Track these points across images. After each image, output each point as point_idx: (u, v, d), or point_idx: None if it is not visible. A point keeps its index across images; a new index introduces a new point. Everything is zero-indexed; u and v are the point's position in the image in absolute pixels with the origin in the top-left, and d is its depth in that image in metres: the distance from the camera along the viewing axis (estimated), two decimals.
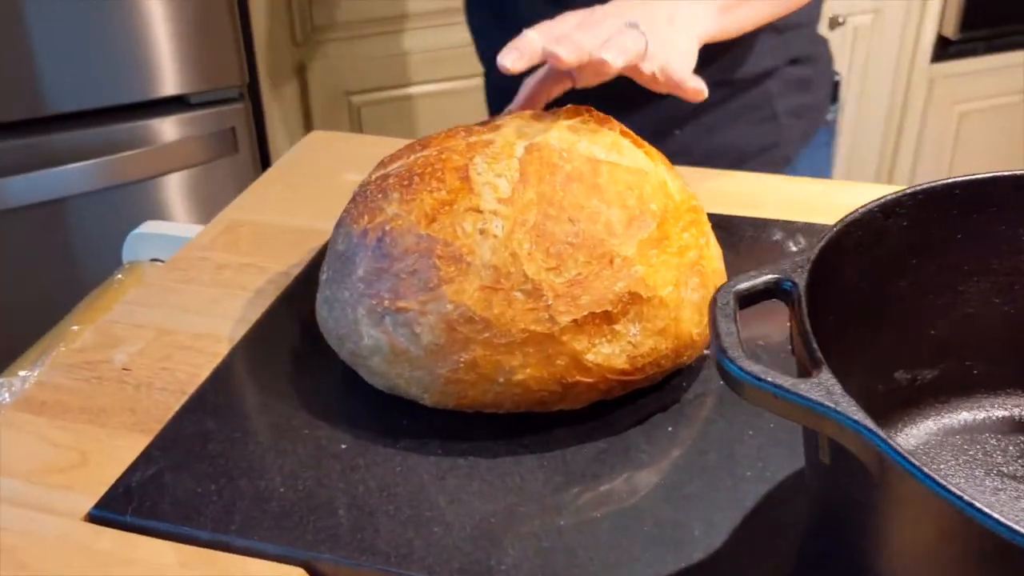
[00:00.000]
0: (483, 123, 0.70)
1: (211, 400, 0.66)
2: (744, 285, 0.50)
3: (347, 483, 0.60)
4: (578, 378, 0.61)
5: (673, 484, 0.59)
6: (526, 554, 0.55)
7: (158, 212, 1.62)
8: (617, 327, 0.61)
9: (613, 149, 0.66)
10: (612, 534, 0.56)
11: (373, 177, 0.68)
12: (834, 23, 2.18)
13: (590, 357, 0.61)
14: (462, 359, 0.60)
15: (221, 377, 0.68)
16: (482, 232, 0.61)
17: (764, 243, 0.81)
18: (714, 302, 0.48)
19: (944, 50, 2.27)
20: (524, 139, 0.66)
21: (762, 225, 0.83)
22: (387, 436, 0.63)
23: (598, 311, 0.60)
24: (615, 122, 0.69)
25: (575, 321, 0.60)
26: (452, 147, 0.66)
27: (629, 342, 0.62)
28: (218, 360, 0.70)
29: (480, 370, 0.60)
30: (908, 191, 0.56)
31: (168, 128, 1.61)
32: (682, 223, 0.66)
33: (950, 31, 2.24)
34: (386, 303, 0.61)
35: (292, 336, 0.72)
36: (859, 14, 2.19)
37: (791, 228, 0.83)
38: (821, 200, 0.88)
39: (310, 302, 0.72)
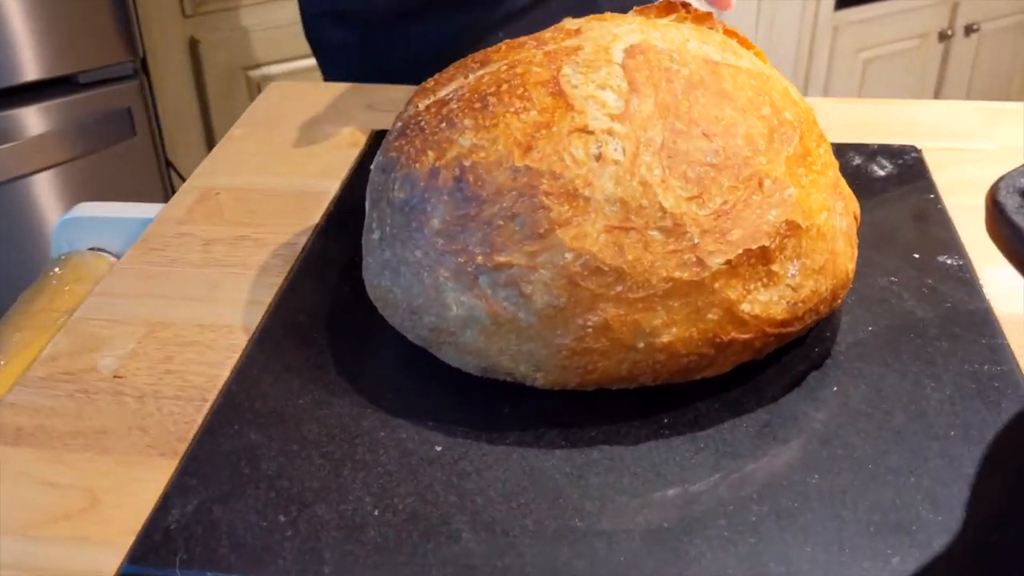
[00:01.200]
0: (553, 30, 0.56)
1: (246, 405, 0.51)
2: (1020, 184, 0.38)
3: (460, 495, 0.46)
4: (733, 335, 0.49)
5: (869, 458, 0.47)
6: (725, 563, 0.42)
7: (57, 206, 1.41)
8: (775, 267, 0.49)
9: (728, 49, 0.54)
10: (821, 527, 0.44)
11: (421, 106, 0.54)
12: None
13: (746, 307, 0.48)
14: (590, 323, 0.47)
15: (250, 375, 0.53)
16: (598, 158, 0.47)
17: (848, 169, 0.70)
18: (1000, 209, 0.37)
19: None
20: (619, 41, 0.52)
21: (837, 150, 0.72)
22: (490, 430, 0.49)
23: (754, 248, 0.48)
24: (716, 20, 0.57)
25: (728, 262, 0.47)
26: (526, 59, 0.52)
27: (788, 285, 0.49)
28: (238, 354, 0.54)
29: (614, 334, 0.47)
30: None
31: (55, 113, 1.40)
32: (815, 135, 0.54)
33: None
34: (479, 259, 0.48)
35: (325, 315, 0.57)
36: None
37: (866, 150, 0.72)
38: (867, 119, 0.78)
39: (333, 274, 0.58)
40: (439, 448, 0.48)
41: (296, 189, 0.69)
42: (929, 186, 0.68)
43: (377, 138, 0.75)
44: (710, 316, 0.48)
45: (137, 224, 0.71)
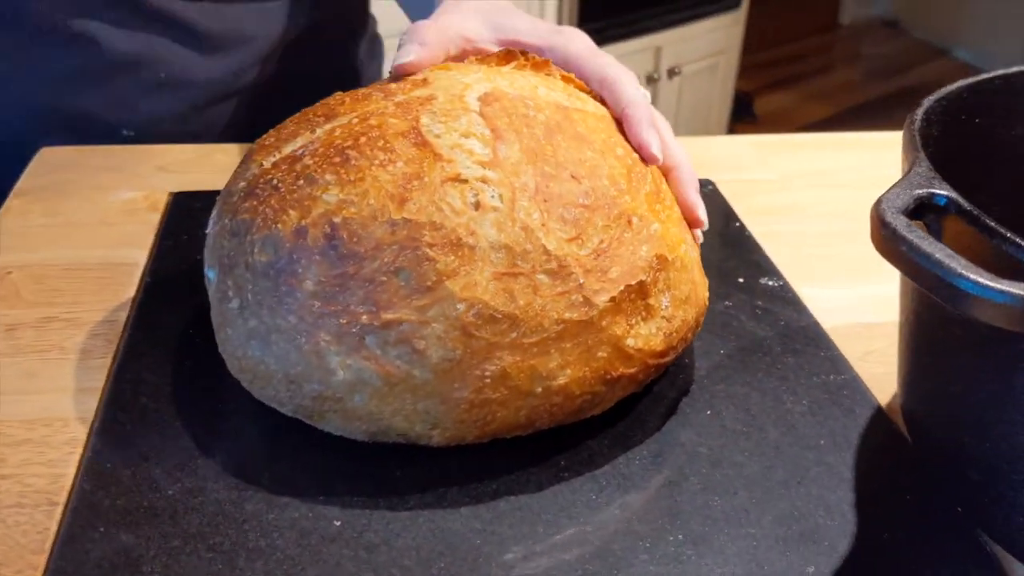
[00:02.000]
0: (390, 81, 0.55)
1: (107, 504, 0.45)
2: (900, 204, 0.41)
3: (375, 570, 0.43)
4: (621, 370, 0.49)
5: (758, 475, 0.49)
6: None
7: None
8: (651, 300, 0.50)
9: (572, 94, 0.55)
10: (736, 548, 0.45)
11: (267, 163, 0.51)
12: None
13: (630, 342, 0.49)
14: (487, 372, 0.46)
15: (102, 470, 0.47)
16: (476, 206, 0.47)
17: None
18: (891, 230, 0.39)
19: None
20: (471, 90, 0.52)
21: None
22: (389, 495, 0.47)
23: (633, 283, 0.49)
24: (552, 65, 0.57)
25: (613, 299, 0.48)
26: (377, 110, 0.51)
27: (663, 317, 0.51)
28: (79, 449, 0.49)
29: (512, 382, 0.46)
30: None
31: None
32: (659, 173, 0.56)
33: (568, 23, 2.32)
34: (364, 318, 0.45)
35: (172, 395, 0.52)
36: None
37: None
38: None
39: (169, 349, 0.53)
40: (338, 523, 0.45)
41: (99, 262, 0.63)
42: (730, 214, 0.73)
43: (178, 201, 0.70)
44: (600, 354, 0.48)
45: None
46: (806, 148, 0.85)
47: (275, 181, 0.49)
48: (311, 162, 0.49)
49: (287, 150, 0.51)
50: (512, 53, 0.57)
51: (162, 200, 0.71)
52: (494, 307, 0.45)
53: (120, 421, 0.50)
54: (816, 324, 0.61)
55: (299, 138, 0.51)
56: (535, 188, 0.48)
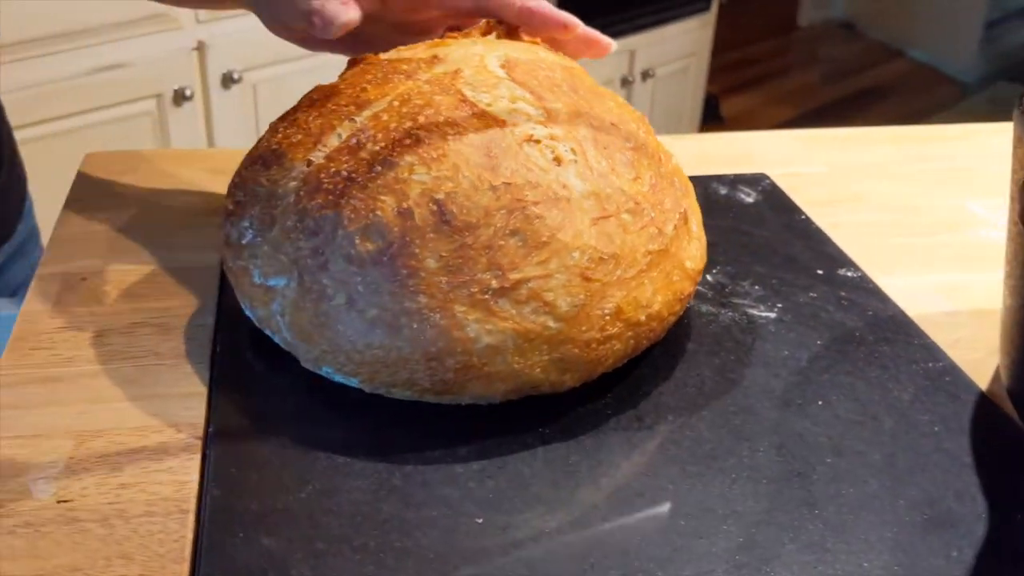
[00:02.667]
0: (406, 61, 0.55)
1: (239, 508, 0.44)
2: None
3: (529, 567, 0.42)
4: (688, 290, 0.54)
5: (883, 463, 0.49)
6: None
7: None
8: (690, 224, 0.55)
9: (557, 54, 0.60)
10: (879, 535, 0.45)
11: (316, 159, 0.51)
12: None
13: (688, 264, 0.54)
14: (606, 311, 0.49)
15: (228, 475, 0.46)
16: (557, 160, 0.50)
17: (718, 198, 0.74)
18: None
19: None
20: (487, 59, 0.55)
21: (699, 182, 0.75)
22: (519, 488, 0.46)
23: (681, 211, 0.54)
24: (518, 31, 0.61)
25: (675, 228, 0.53)
26: (413, 90, 0.52)
27: (696, 237, 0.56)
28: (198, 454, 0.47)
29: (624, 315, 0.50)
30: None
31: None
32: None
33: None
34: (494, 283, 0.47)
35: (281, 396, 0.51)
36: None
37: (725, 181, 0.76)
38: (707, 153, 0.82)
39: (267, 351, 0.52)
40: (479, 520, 0.45)
41: (174, 266, 0.62)
42: (794, 207, 0.73)
43: None
44: (675, 277, 0.53)
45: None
46: (849, 141, 0.85)
47: (345, 172, 0.49)
48: (378, 148, 0.49)
49: (332, 142, 0.50)
50: (491, 24, 0.60)
51: (219, 202, 0.69)
52: (601, 250, 0.49)
53: (236, 425, 0.49)
54: (903, 313, 0.61)
55: (338, 129, 0.51)
56: (593, 139, 0.52)
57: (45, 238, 0.85)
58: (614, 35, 2.37)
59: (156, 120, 1.72)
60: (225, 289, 0.60)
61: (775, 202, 0.73)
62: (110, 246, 0.64)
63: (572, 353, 0.49)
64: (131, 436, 0.48)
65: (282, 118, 0.55)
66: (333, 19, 0.54)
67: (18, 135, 1.54)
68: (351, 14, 0.54)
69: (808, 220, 0.71)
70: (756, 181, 0.76)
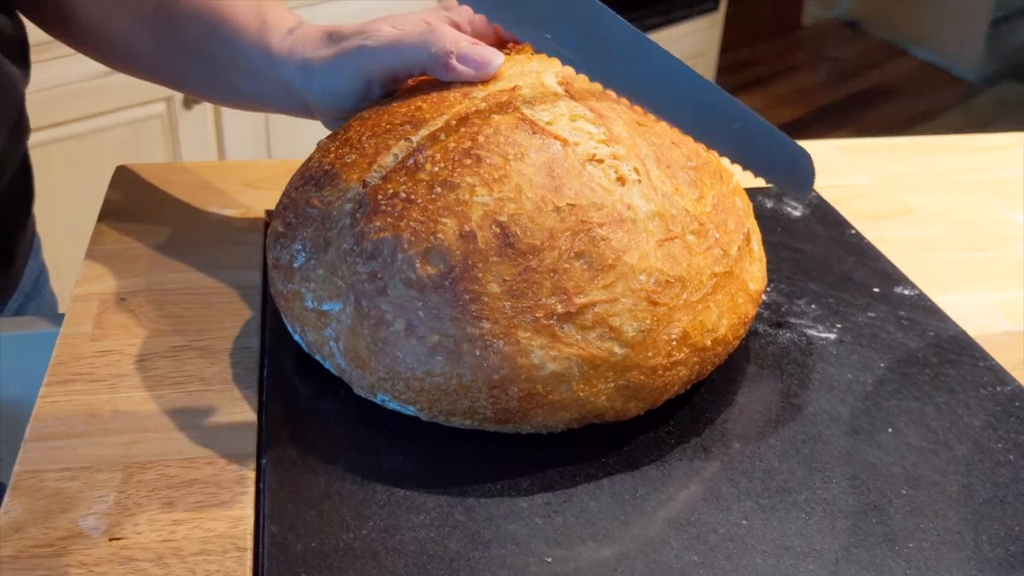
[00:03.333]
0: (445, 90, 0.53)
1: (299, 548, 0.43)
2: None
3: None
4: (752, 312, 0.52)
5: (960, 495, 0.48)
6: None
7: None
8: (752, 244, 0.54)
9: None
10: (961, 571, 0.43)
11: (373, 180, 0.49)
12: None
13: (751, 285, 0.52)
14: (673, 336, 0.47)
15: (285, 511, 0.44)
16: (621, 181, 0.48)
17: (765, 212, 0.72)
18: None
19: None
20: (544, 75, 0.54)
21: None
22: (587, 523, 0.44)
23: (744, 231, 0.53)
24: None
25: (739, 249, 0.51)
26: (471, 108, 0.51)
27: (758, 259, 0.54)
28: (251, 488, 0.46)
29: (690, 340, 0.48)
30: None
31: None
32: None
33: None
34: (559, 308, 0.45)
35: (335, 424, 0.49)
36: None
37: (770, 194, 0.74)
38: None
39: (317, 376, 0.50)
40: (549, 559, 0.43)
41: (216, 285, 0.60)
42: (843, 222, 0.71)
43: None
44: (739, 300, 0.51)
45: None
46: (894, 151, 0.84)
47: (403, 194, 0.47)
48: (437, 169, 0.48)
49: (388, 163, 0.49)
50: (519, 46, 0.59)
51: (258, 217, 0.68)
52: (667, 272, 0.47)
53: (287, 457, 0.47)
54: (964, 334, 0.59)
55: (394, 149, 0.49)
56: (655, 157, 0.50)
57: (48, 244, 0.82)
58: None
59: (166, 124, 1.70)
60: (269, 310, 0.58)
61: (823, 216, 0.72)
62: (147, 264, 0.62)
63: (638, 380, 0.47)
64: (181, 468, 0.46)
65: (332, 137, 0.53)
66: (487, 62, 0.53)
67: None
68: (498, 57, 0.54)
69: (859, 235, 0.69)
70: None
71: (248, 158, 1.72)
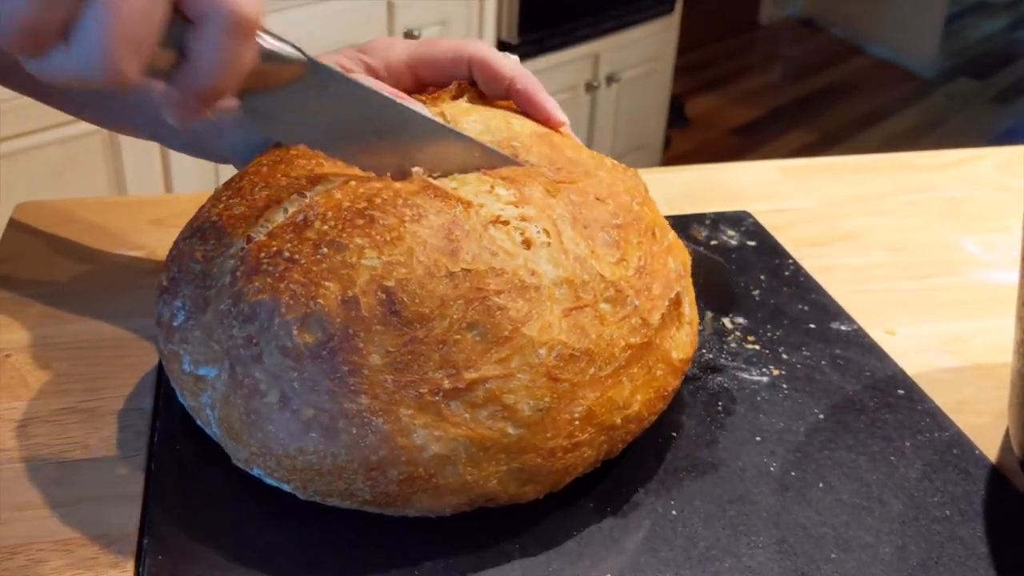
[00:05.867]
0: None
1: None
2: None
3: None
4: (673, 385, 0.48)
5: (893, 557, 0.45)
6: None
7: None
8: (682, 309, 0.50)
9: (531, 123, 0.54)
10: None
11: (258, 236, 0.45)
12: (409, 35, 2.12)
13: (675, 354, 0.48)
14: (575, 415, 0.43)
15: None
16: (527, 244, 0.45)
17: (698, 241, 0.69)
18: None
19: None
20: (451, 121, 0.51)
21: (677, 223, 0.70)
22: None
23: (672, 296, 0.48)
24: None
25: (662, 317, 0.47)
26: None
27: (688, 322, 0.50)
28: (128, 573, 0.42)
29: (597, 419, 0.44)
30: None
31: None
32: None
33: (509, 35, 2.28)
34: (446, 383, 0.41)
35: (229, 503, 0.46)
36: (430, 25, 2.16)
37: (704, 221, 0.72)
38: (683, 189, 0.77)
39: (207, 443, 0.46)
40: None
41: (110, 337, 0.56)
42: (780, 251, 0.68)
43: None
44: (658, 372, 0.47)
45: None
46: (839, 171, 0.81)
47: (287, 253, 0.43)
48: (326, 227, 0.44)
49: (277, 218, 0.45)
50: (463, 86, 0.55)
51: (163, 259, 0.64)
52: (572, 345, 0.43)
53: (168, 535, 0.44)
54: (902, 373, 0.57)
55: (285, 203, 0.46)
56: (572, 217, 0.46)
57: None
58: (578, 40, 2.32)
59: (107, 142, 1.65)
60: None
61: (760, 244, 0.69)
62: (38, 314, 0.58)
63: (534, 462, 0.43)
64: (54, 551, 0.43)
65: (227, 184, 0.50)
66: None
67: None
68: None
69: (796, 265, 0.67)
70: (738, 220, 0.72)
71: (198, 174, 1.68)
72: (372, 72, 0.55)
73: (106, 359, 0.55)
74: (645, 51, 2.59)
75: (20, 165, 1.53)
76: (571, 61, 2.40)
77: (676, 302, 0.48)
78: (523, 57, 2.28)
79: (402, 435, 0.41)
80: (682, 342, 0.49)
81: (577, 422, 0.43)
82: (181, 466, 0.47)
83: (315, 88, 0.43)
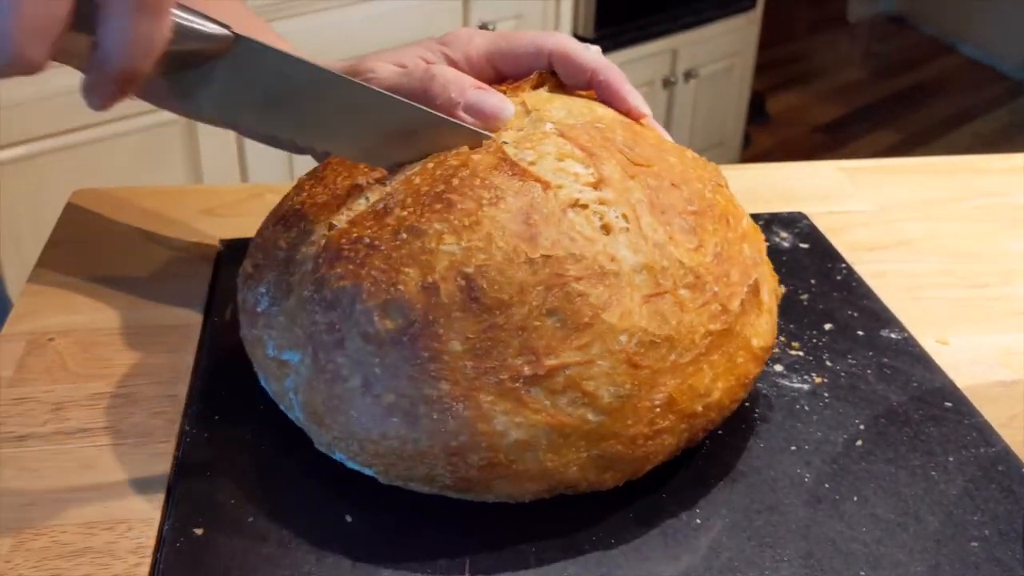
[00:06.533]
0: None
1: None
2: None
3: None
4: (754, 372, 0.47)
5: None
6: None
7: None
8: (761, 296, 0.48)
9: (612, 111, 0.53)
10: None
11: (339, 223, 0.45)
12: (483, 27, 2.12)
13: (755, 341, 0.47)
14: (656, 402, 0.43)
15: None
16: (606, 229, 0.44)
17: None
18: None
19: None
20: (533, 113, 0.50)
21: None
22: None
23: (751, 282, 0.48)
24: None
25: (742, 303, 0.46)
26: (456, 153, 0.47)
27: (767, 310, 0.49)
28: (147, 559, 0.42)
29: (678, 406, 0.44)
30: None
31: None
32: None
33: (585, 30, 2.27)
34: (526, 370, 0.41)
35: (255, 487, 0.46)
36: (504, 19, 2.16)
37: (758, 221, 0.70)
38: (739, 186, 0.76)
39: (245, 431, 0.47)
40: None
41: (152, 324, 0.57)
42: (834, 255, 0.66)
43: (231, 248, 0.64)
44: (739, 360, 0.46)
45: None
46: (901, 173, 0.79)
47: (367, 239, 0.44)
48: (405, 213, 0.44)
49: (359, 206, 0.45)
50: (544, 76, 0.54)
51: (212, 247, 0.64)
52: (652, 332, 0.43)
53: (190, 524, 0.44)
54: (952, 385, 0.54)
55: (366, 192, 0.46)
56: (649, 202, 0.46)
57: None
58: (655, 35, 2.28)
59: (185, 129, 1.68)
60: (204, 352, 0.55)
61: (813, 247, 0.67)
62: (84, 300, 0.59)
63: (615, 450, 0.43)
64: (77, 535, 0.43)
65: (311, 174, 0.50)
66: (496, 112, 0.48)
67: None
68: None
69: (849, 270, 0.64)
70: (793, 221, 0.70)
71: (273, 164, 1.70)
72: (452, 64, 0.55)
73: (146, 345, 0.55)
74: (725, 46, 2.55)
75: (102, 152, 1.57)
76: (648, 56, 2.38)
77: (755, 289, 0.48)
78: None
79: (482, 421, 0.41)
80: (762, 329, 0.48)
81: (658, 409, 0.43)
82: (209, 455, 0.48)
83: (242, 63, 0.42)
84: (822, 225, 0.70)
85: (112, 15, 0.36)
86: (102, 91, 0.37)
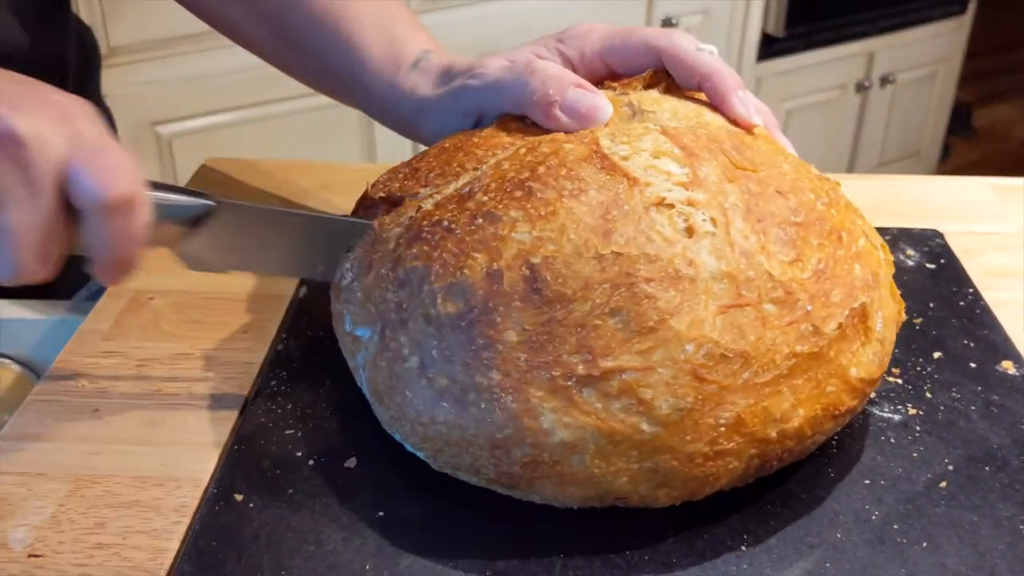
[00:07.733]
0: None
1: None
2: None
3: None
4: (848, 404, 0.43)
5: None
6: None
7: None
8: (869, 323, 0.44)
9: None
10: None
11: (427, 205, 0.46)
12: (667, 24, 2.08)
13: (854, 372, 0.43)
14: (721, 421, 0.40)
15: (201, 551, 0.42)
16: (689, 231, 0.42)
17: None
18: None
19: (769, 48, 2.22)
20: (638, 114, 0.48)
21: None
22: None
23: (856, 306, 0.43)
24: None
25: (840, 326, 0.42)
26: (546, 136, 0.47)
27: (877, 340, 0.45)
28: (187, 518, 0.44)
29: (747, 429, 0.41)
30: None
31: None
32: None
33: (775, 29, 2.19)
34: (580, 369, 0.40)
35: (304, 459, 0.47)
36: (689, 15, 2.11)
37: (886, 236, 0.65)
38: (876, 197, 0.71)
39: (307, 403, 0.47)
40: None
41: (247, 292, 0.59)
42: (962, 278, 0.61)
43: None
44: (829, 388, 0.43)
45: (46, 326, 0.59)
46: None
47: (446, 222, 0.44)
48: (486, 198, 0.44)
49: (448, 189, 0.45)
50: (658, 75, 0.52)
51: None
52: (724, 345, 0.40)
53: (236, 491, 0.45)
54: None
55: (461, 176, 0.46)
56: (745, 208, 0.43)
57: None
58: (851, 36, 2.18)
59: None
60: (288, 324, 0.56)
61: (940, 267, 0.62)
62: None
63: (669, 465, 0.41)
64: (129, 486, 0.45)
65: (422, 155, 0.50)
66: (592, 113, 0.48)
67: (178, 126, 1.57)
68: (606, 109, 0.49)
69: (976, 295, 0.59)
70: (924, 239, 0.65)
71: None
72: (567, 61, 0.54)
73: (237, 312, 0.57)
74: (927, 52, 2.41)
75: (285, 126, 1.63)
76: (841, 58, 2.28)
77: (861, 314, 0.44)
78: (788, 52, 2.20)
79: (529, 416, 0.40)
80: (866, 360, 0.44)
81: (722, 428, 0.40)
82: (266, 425, 0.49)
83: (231, 222, 0.46)
84: (958, 245, 0.64)
85: (93, 222, 0.40)
86: (105, 276, 0.43)
